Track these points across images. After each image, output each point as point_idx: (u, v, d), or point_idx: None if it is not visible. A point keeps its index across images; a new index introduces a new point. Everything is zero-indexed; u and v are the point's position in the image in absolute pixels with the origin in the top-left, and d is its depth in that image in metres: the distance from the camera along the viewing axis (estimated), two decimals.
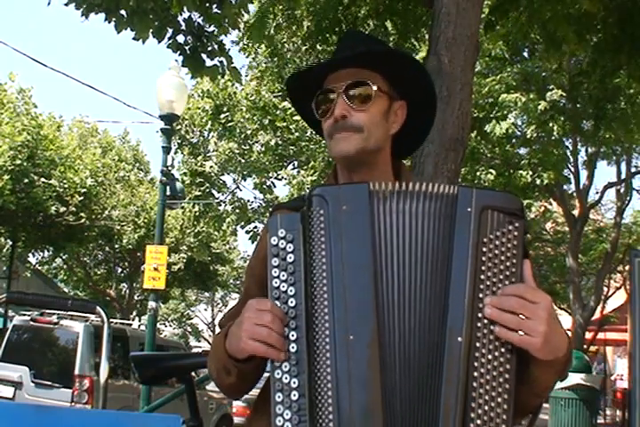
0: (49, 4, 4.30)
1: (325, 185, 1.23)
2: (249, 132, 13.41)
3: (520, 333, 1.04)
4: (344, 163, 1.37)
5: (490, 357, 1.04)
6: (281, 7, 7.49)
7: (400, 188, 1.12)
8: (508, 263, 1.08)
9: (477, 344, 1.05)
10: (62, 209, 14.62)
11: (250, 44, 10.96)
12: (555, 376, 1.15)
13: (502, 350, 1.05)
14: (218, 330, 1.42)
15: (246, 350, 1.13)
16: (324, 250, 1.09)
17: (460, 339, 1.05)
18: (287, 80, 1.45)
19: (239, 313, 1.29)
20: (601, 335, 19.04)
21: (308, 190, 1.17)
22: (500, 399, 1.04)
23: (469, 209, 1.09)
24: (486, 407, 1.03)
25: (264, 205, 14.56)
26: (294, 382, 1.07)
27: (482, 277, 1.07)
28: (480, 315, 1.05)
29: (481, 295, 1.06)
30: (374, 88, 1.32)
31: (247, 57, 12.30)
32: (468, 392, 1.03)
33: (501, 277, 1.07)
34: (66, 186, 14.73)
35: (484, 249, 1.07)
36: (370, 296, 1.07)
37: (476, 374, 1.04)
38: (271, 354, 1.09)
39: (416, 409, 1.05)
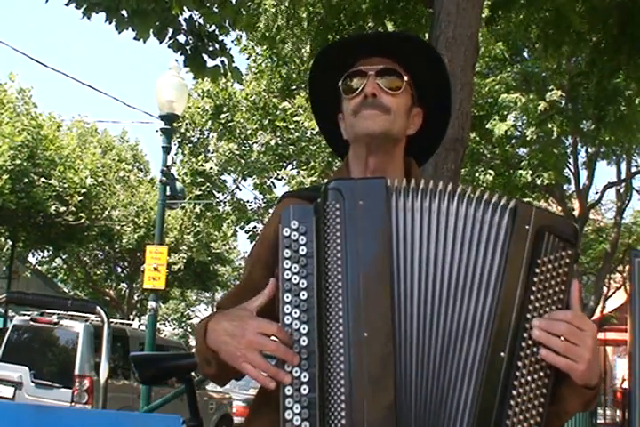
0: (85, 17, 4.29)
1: (341, 178, 1.21)
2: (249, 132, 13.40)
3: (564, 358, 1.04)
4: (365, 141, 1.34)
5: (529, 378, 1.04)
6: (282, 7, 7.49)
7: (427, 186, 1.11)
8: (557, 289, 1.07)
9: (519, 363, 1.04)
10: (62, 209, 14.60)
11: (250, 45, 10.95)
12: (581, 407, 1.17)
13: (541, 373, 1.04)
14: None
15: (243, 370, 1.12)
16: (339, 245, 1.07)
17: (502, 354, 1.04)
18: (318, 54, 1.45)
19: (239, 297, 1.29)
20: (601, 335, 19.03)
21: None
22: (532, 421, 1.03)
23: (527, 226, 1.08)
24: None
25: (264, 205, 14.55)
26: (305, 376, 1.05)
27: (531, 297, 1.06)
28: (525, 335, 1.05)
29: (528, 316, 1.05)
30: (405, 78, 1.34)
31: (247, 59, 12.29)
32: (504, 409, 1.02)
33: (549, 301, 1.07)
34: (66, 186, 14.71)
35: (537, 270, 1.06)
36: (387, 293, 1.05)
37: (514, 392, 1.03)
38: (264, 381, 1.08)
39: (433, 410, 1.04)
